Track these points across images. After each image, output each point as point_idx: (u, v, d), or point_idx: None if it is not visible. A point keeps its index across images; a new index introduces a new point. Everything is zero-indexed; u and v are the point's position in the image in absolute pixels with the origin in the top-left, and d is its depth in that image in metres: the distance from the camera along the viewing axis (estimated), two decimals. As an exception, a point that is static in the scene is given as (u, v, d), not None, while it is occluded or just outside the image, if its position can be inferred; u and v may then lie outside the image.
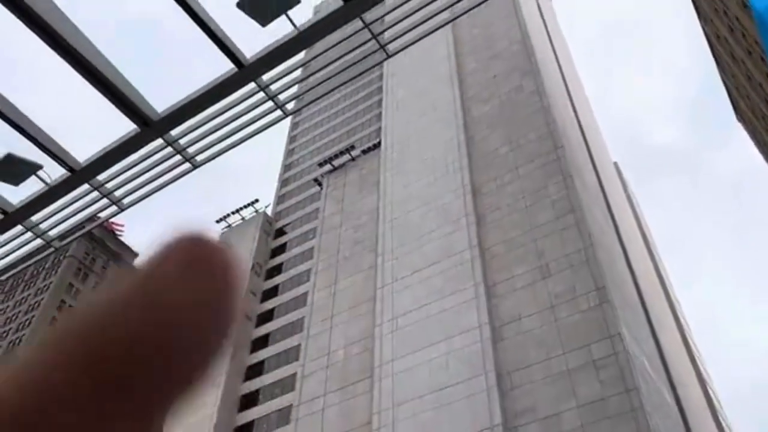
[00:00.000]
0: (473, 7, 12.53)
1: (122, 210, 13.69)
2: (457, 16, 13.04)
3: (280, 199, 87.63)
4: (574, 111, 73.26)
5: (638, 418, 37.21)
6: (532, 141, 58.24)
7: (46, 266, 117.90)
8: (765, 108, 58.68)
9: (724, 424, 60.98)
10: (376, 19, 12.15)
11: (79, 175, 12.29)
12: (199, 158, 13.15)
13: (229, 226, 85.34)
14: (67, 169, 12.31)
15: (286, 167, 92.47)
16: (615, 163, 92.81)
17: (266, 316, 70.78)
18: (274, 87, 12.48)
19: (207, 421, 60.60)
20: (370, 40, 12.46)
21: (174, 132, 12.34)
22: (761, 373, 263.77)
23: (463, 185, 59.08)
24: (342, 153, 78.50)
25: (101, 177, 12.98)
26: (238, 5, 10.53)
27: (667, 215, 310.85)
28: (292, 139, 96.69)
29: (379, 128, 79.27)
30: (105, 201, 13.35)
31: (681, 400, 49.15)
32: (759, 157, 76.74)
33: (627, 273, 55.28)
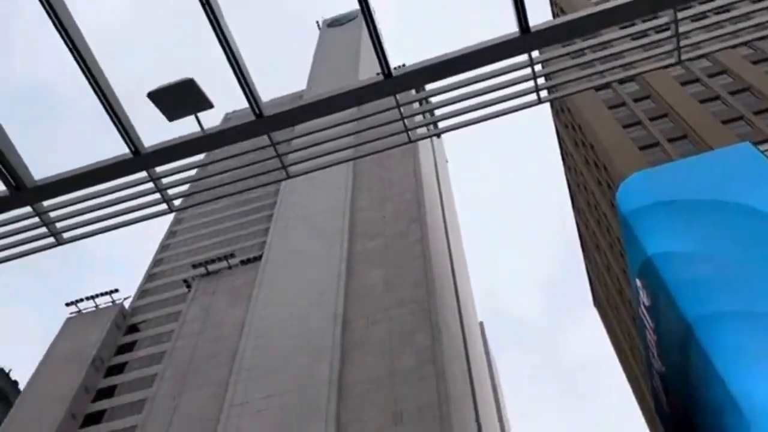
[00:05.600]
0: (376, 152, 13.16)
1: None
2: (360, 156, 13.63)
3: (142, 293, 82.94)
4: (452, 265, 76.44)
5: None
6: (408, 286, 59.65)
7: None
8: (618, 299, 63.88)
9: None
10: (283, 141, 12.44)
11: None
12: (66, 235, 12.37)
13: (80, 311, 79.19)
14: None
15: (157, 261, 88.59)
16: (481, 323, 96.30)
17: (96, 417, 64.33)
18: (165, 180, 12.22)
19: None
20: (273, 157, 12.67)
21: (46, 202, 11.64)
22: None
23: (334, 316, 58.76)
24: (219, 259, 76.57)
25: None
26: (149, 95, 10.47)
27: (516, 382, 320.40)
28: (171, 233, 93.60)
29: (264, 242, 78.66)
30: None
31: None
32: (607, 342, 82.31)
33: (474, 424, 55.64)
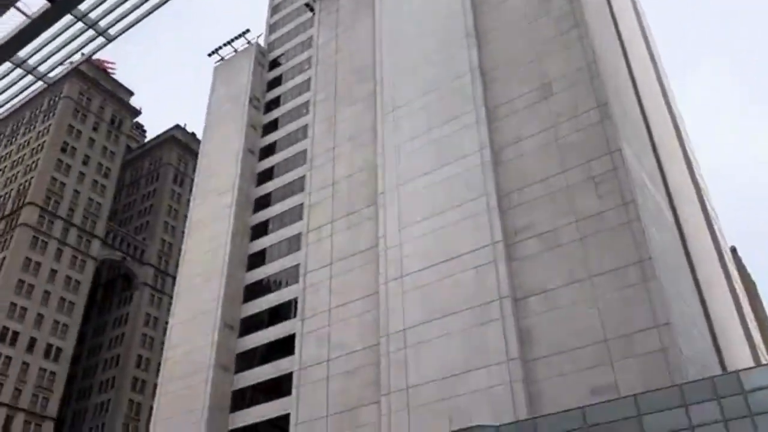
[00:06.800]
0: None
1: (109, 41, 13.19)
2: None
3: (271, 27, 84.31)
4: None
5: (634, 229, 38.52)
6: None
7: (43, 109, 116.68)
8: None
9: (719, 236, 63.30)
10: None
11: (60, 5, 11.68)
12: (182, -19, 12.42)
13: (222, 59, 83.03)
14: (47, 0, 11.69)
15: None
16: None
17: (268, 150, 71.19)
18: None
19: (221, 249, 63.35)
20: None
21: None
22: (752, 181, 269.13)
23: (462, 1, 56.40)
24: (333, -26, 73.99)
25: (83, 7, 12.35)
26: None
27: (666, 11, 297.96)
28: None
29: (371, -56, 74.12)
30: (91, 33, 12.81)
31: (678, 213, 50.68)
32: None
33: (630, 87, 54.44)
